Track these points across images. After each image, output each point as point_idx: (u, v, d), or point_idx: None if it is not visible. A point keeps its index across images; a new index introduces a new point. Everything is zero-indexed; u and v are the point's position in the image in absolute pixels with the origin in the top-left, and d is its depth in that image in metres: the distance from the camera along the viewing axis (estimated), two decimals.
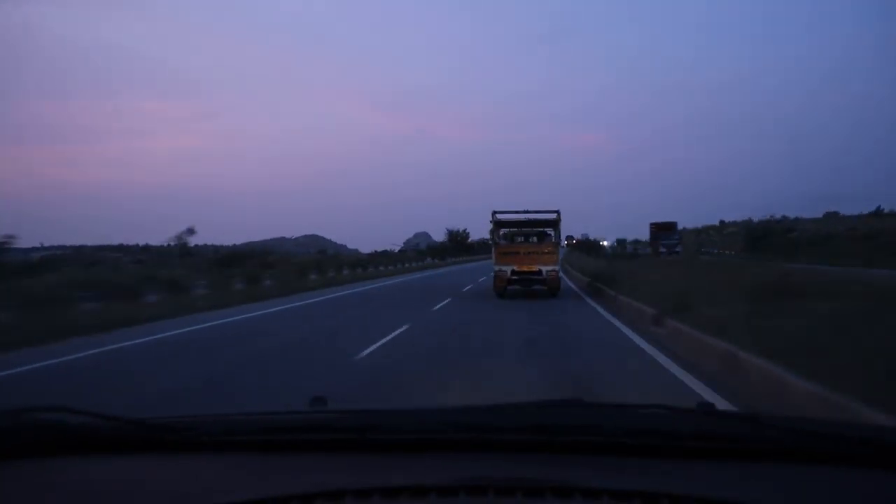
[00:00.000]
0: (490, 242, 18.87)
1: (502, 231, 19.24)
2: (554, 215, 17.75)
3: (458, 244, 77.52)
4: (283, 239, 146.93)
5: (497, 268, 17.20)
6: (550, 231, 18.84)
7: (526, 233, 19.75)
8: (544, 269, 16.88)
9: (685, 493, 0.98)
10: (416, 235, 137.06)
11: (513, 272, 16.99)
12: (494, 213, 17.90)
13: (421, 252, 60.34)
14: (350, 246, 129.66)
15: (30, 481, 1.17)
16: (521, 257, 17.20)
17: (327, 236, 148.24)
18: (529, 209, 18.17)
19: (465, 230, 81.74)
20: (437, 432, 1.25)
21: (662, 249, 40.43)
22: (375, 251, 69.35)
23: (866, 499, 1.07)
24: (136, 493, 1.12)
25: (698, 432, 1.21)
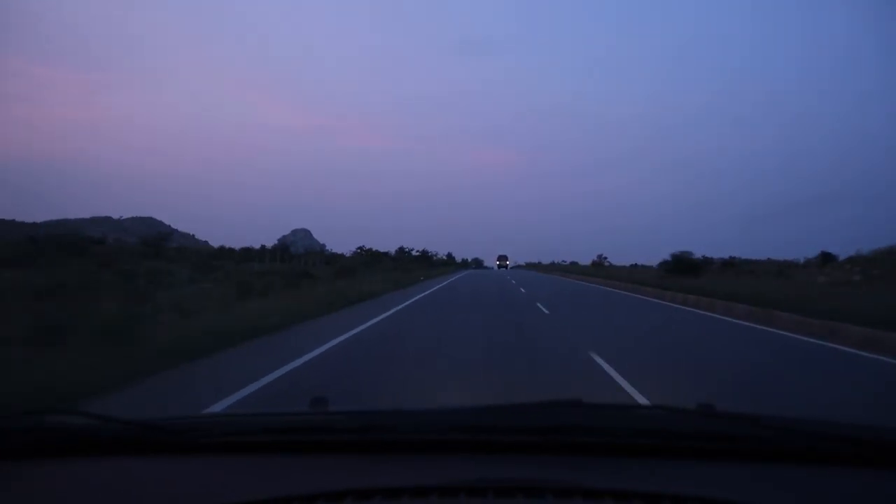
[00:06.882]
0: None
1: None
2: None
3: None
4: (108, 219, 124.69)
5: None
6: None
7: None
8: None
9: (685, 494, 0.98)
10: (294, 232, 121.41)
11: None
12: None
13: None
14: (200, 237, 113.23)
15: (32, 483, 1.17)
16: None
17: (167, 221, 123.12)
18: None
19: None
20: (438, 433, 1.25)
21: None
22: (225, 247, 56.93)
23: (865, 498, 1.07)
24: (138, 494, 1.11)
25: (698, 433, 1.21)
